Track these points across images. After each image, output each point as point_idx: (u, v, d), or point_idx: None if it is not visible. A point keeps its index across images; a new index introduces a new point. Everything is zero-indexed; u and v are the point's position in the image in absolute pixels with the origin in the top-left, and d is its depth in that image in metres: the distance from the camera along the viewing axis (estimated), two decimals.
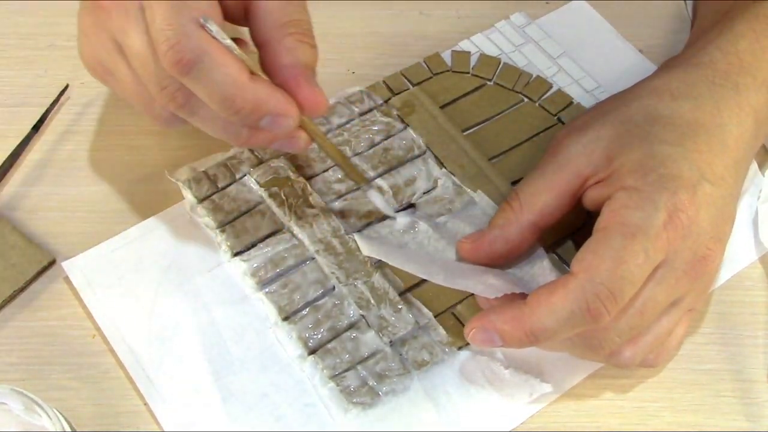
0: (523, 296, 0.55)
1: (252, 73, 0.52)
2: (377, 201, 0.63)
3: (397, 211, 0.64)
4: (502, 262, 0.59)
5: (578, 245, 0.60)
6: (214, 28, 0.50)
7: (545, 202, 0.58)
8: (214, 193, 0.64)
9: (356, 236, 0.62)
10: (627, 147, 0.56)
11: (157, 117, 0.56)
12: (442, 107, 0.69)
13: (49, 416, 0.50)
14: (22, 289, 0.61)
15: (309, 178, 0.65)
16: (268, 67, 0.54)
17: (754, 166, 0.68)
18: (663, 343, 0.57)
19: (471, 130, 0.68)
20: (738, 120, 0.58)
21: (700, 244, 0.54)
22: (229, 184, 0.64)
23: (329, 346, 0.59)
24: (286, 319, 0.60)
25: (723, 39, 0.61)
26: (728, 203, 0.57)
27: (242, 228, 0.63)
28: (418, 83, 0.70)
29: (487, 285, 0.57)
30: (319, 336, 0.59)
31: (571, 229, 0.63)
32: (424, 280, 0.61)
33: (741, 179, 0.59)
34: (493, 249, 0.58)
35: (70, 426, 0.51)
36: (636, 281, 0.52)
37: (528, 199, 0.58)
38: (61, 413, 0.50)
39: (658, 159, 0.55)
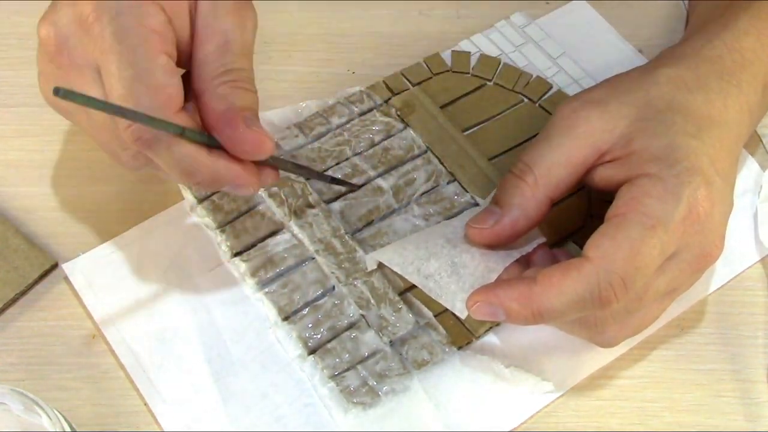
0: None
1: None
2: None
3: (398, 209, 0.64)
4: (515, 241, 0.57)
5: (579, 245, 0.61)
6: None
7: (561, 177, 0.56)
8: (214, 194, 0.64)
9: (367, 258, 0.61)
10: (650, 132, 0.55)
11: (123, 164, 0.56)
12: (442, 107, 0.69)
13: (48, 416, 0.50)
14: (23, 292, 0.61)
15: (309, 178, 0.64)
16: (204, 117, 0.53)
17: (755, 165, 0.68)
18: (645, 328, 0.57)
19: (471, 130, 0.68)
20: (739, 118, 0.58)
21: (708, 241, 0.54)
22: None
23: (329, 345, 0.59)
24: (286, 319, 0.60)
25: (728, 34, 0.61)
26: (731, 198, 0.57)
27: (242, 228, 0.63)
28: (418, 83, 0.70)
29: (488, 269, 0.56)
30: (319, 336, 0.59)
31: (571, 229, 0.63)
32: None
33: (735, 175, 0.59)
34: (515, 230, 0.56)
35: (70, 426, 0.51)
36: (649, 273, 0.52)
37: (544, 174, 0.56)
38: (60, 413, 0.50)
39: (683, 151, 0.54)
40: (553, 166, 0.56)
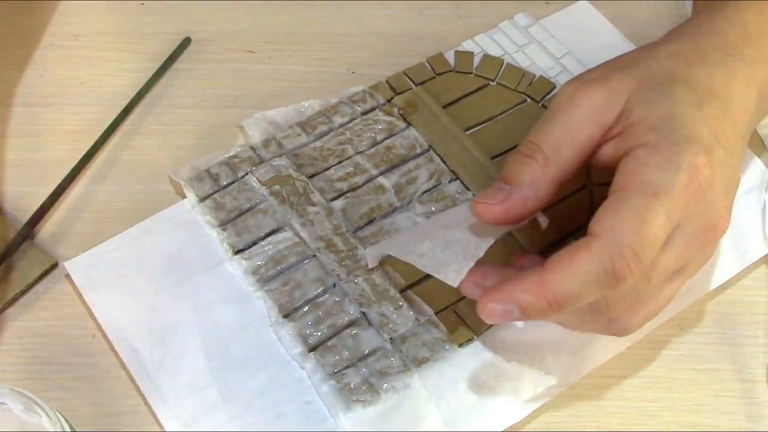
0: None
1: None
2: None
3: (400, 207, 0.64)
4: (522, 221, 0.55)
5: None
6: None
7: (568, 156, 0.54)
8: (215, 192, 0.64)
9: (367, 253, 0.60)
10: (648, 102, 0.54)
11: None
12: (444, 107, 0.69)
13: (48, 416, 0.50)
14: (24, 292, 0.61)
15: (310, 177, 0.65)
16: None
17: (760, 164, 0.68)
18: (660, 311, 0.55)
19: (474, 130, 0.68)
20: (745, 92, 0.57)
21: (713, 211, 0.53)
22: (231, 183, 0.64)
23: (330, 343, 0.59)
24: (286, 316, 0.60)
25: (730, 9, 0.60)
26: (736, 173, 0.56)
27: (244, 226, 0.63)
28: (421, 83, 0.70)
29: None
30: (320, 333, 0.59)
31: (573, 227, 0.63)
32: (425, 278, 0.61)
33: (744, 152, 0.58)
34: (525, 208, 0.54)
35: (70, 426, 0.51)
36: (657, 242, 0.50)
37: (553, 153, 0.54)
38: (60, 413, 0.50)
39: (681, 119, 0.53)
40: (560, 145, 0.55)
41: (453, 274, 0.53)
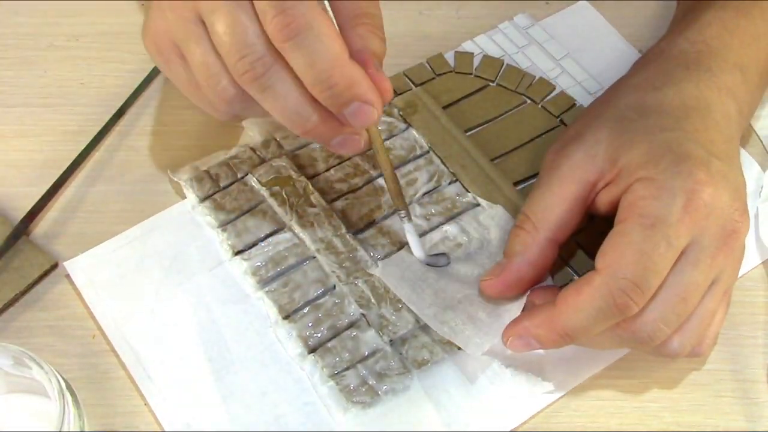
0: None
1: None
2: (410, 237, 0.61)
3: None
4: (529, 287, 0.58)
5: (581, 246, 0.61)
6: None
7: (558, 216, 0.57)
8: (215, 193, 0.64)
9: (380, 265, 0.61)
10: (628, 143, 0.56)
11: (221, 100, 0.54)
12: (444, 108, 0.69)
13: (41, 367, 0.51)
14: (24, 292, 0.61)
15: (311, 178, 0.65)
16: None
17: (756, 166, 0.68)
18: (709, 326, 0.56)
19: (473, 131, 0.69)
20: (719, 100, 0.59)
21: (726, 219, 0.54)
22: (231, 184, 0.64)
23: (329, 344, 0.59)
24: (286, 317, 0.60)
25: (690, 30, 0.63)
26: (739, 176, 0.57)
27: (243, 227, 0.63)
28: (421, 84, 0.70)
29: (475, 320, 0.58)
30: (320, 335, 0.59)
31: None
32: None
33: (739, 154, 0.60)
34: (520, 276, 0.57)
35: (67, 384, 0.51)
36: (660, 270, 0.52)
37: (540, 217, 0.57)
38: (56, 370, 0.50)
39: (665, 146, 0.55)
40: (547, 208, 0.57)
41: (474, 347, 0.57)
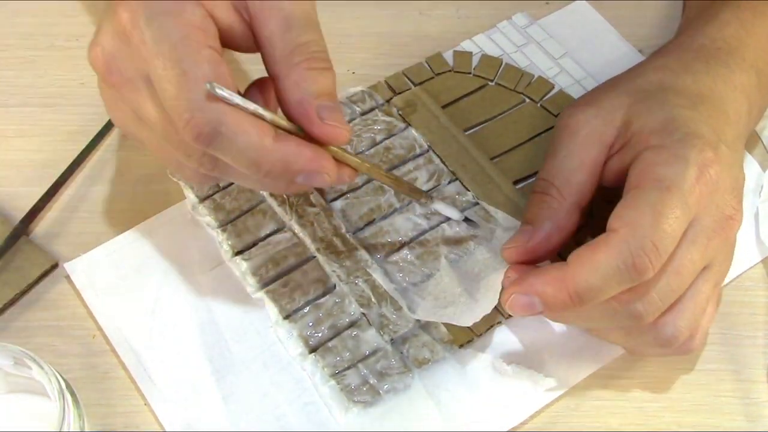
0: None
1: (281, 127, 0.50)
2: (442, 208, 0.60)
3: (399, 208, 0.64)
4: (554, 254, 0.57)
5: (579, 244, 0.60)
6: (224, 93, 0.47)
7: (580, 181, 0.57)
8: (215, 193, 0.64)
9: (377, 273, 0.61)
10: (644, 111, 0.56)
11: (190, 177, 0.54)
12: (443, 107, 0.69)
13: (41, 367, 0.51)
14: (24, 292, 0.61)
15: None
16: (282, 105, 0.51)
17: (756, 165, 0.68)
18: (702, 314, 0.56)
19: (472, 130, 0.69)
20: (733, 96, 0.59)
21: (725, 203, 0.54)
22: (231, 183, 0.64)
23: (330, 344, 0.59)
24: (287, 317, 0.60)
25: (710, 27, 0.63)
26: (741, 170, 0.57)
27: (243, 227, 0.63)
28: (420, 83, 0.70)
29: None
30: (320, 334, 0.59)
31: None
32: (425, 278, 0.61)
33: (742, 154, 0.60)
34: (550, 243, 0.57)
35: (67, 384, 0.51)
36: (676, 235, 0.52)
37: (564, 183, 0.57)
38: (56, 371, 0.50)
39: (680, 120, 0.55)
40: (570, 174, 0.57)
41: (467, 319, 0.58)
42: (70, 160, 0.66)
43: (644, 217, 0.51)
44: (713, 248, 0.54)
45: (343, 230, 0.63)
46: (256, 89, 0.52)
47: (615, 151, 0.57)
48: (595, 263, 0.51)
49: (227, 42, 0.52)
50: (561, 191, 0.57)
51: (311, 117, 0.50)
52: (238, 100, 0.48)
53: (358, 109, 0.68)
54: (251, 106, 0.48)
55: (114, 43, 0.50)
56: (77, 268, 0.62)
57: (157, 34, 0.48)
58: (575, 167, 0.57)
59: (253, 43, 0.52)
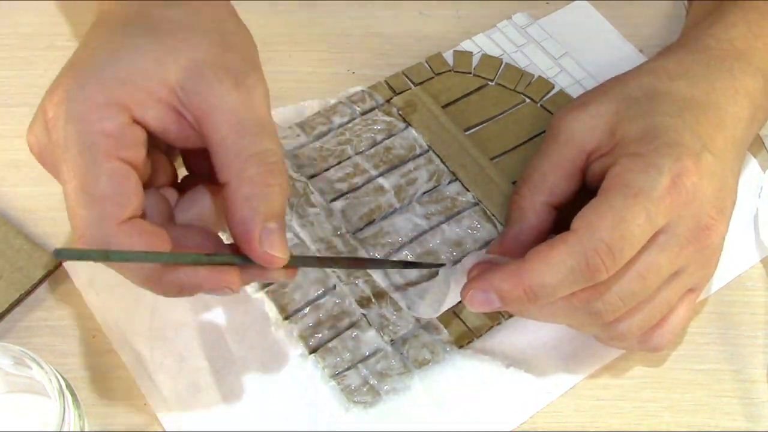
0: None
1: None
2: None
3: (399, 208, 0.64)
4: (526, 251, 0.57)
5: None
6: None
7: (553, 182, 0.58)
8: None
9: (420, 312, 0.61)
10: (628, 120, 0.56)
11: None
12: (443, 107, 0.69)
13: (41, 366, 0.50)
14: (28, 293, 0.61)
15: (310, 177, 0.65)
16: (227, 214, 0.49)
17: (755, 164, 0.68)
18: (663, 317, 0.56)
19: (473, 130, 0.69)
20: (734, 100, 0.59)
21: (703, 213, 0.54)
22: None
23: (330, 345, 0.59)
24: (287, 318, 0.60)
25: (716, 28, 0.62)
26: (729, 177, 0.57)
27: None
28: (420, 83, 0.70)
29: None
30: (320, 335, 0.59)
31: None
32: (425, 279, 0.61)
33: (741, 159, 0.59)
34: (519, 240, 0.58)
35: (67, 384, 0.51)
36: (635, 241, 0.52)
37: (536, 182, 0.58)
38: (56, 370, 0.50)
39: (661, 128, 0.55)
40: (544, 173, 0.58)
41: (428, 309, 0.59)
42: None
43: (604, 219, 0.51)
44: (685, 257, 0.54)
45: (344, 230, 0.63)
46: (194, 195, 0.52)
47: (598, 157, 0.57)
48: (550, 260, 0.51)
49: (171, 141, 0.50)
50: (531, 191, 0.58)
51: (251, 241, 0.48)
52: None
53: (358, 109, 0.68)
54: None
55: (42, 135, 0.49)
56: (77, 268, 0.62)
57: (69, 139, 0.47)
58: (548, 168, 0.58)
59: (198, 141, 0.50)
